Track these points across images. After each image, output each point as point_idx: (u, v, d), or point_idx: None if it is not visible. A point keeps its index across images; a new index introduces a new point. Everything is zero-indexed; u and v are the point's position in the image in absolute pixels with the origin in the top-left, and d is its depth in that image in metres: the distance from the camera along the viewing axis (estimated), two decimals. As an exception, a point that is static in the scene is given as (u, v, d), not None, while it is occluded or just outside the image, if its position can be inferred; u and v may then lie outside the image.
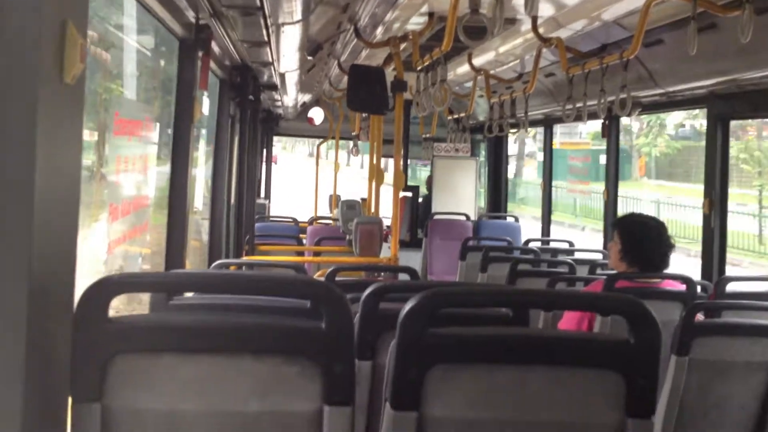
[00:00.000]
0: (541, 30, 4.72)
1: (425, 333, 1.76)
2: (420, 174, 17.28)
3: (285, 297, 2.31)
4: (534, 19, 4.64)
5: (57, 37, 1.60)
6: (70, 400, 1.68)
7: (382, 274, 5.42)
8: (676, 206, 21.87)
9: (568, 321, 3.63)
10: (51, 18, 1.58)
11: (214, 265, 3.88)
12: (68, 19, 1.64)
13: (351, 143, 11.20)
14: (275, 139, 14.04)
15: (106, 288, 1.68)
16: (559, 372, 1.78)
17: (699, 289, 3.80)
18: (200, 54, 3.84)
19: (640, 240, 3.70)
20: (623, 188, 22.94)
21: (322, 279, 3.62)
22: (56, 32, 1.60)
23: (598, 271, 4.95)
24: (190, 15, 3.59)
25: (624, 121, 27.57)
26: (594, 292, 3.49)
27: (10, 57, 1.54)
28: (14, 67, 1.54)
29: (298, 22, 3.86)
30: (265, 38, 4.21)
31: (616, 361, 1.78)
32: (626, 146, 29.94)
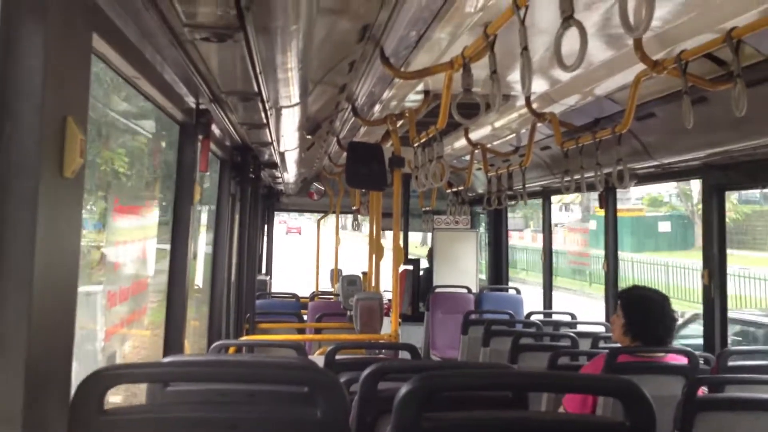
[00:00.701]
0: (535, 105, 4.80)
1: (421, 418, 1.75)
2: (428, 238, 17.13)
3: (282, 384, 2.30)
4: (528, 96, 4.73)
5: (57, 133, 1.64)
6: None
7: (383, 351, 5.38)
8: (750, 279, 18.95)
9: (573, 398, 3.60)
10: (52, 114, 1.62)
11: (212, 347, 3.87)
12: (68, 115, 1.68)
13: (351, 217, 11.25)
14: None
15: (101, 380, 1.68)
16: None
17: (702, 361, 3.78)
18: (200, 137, 3.90)
19: (644, 314, 3.70)
20: (686, 258, 22.17)
21: (322, 358, 3.60)
22: (57, 128, 1.64)
23: (601, 344, 4.93)
24: (191, 101, 3.66)
25: (682, 184, 26.50)
26: (588, 375, 3.46)
27: (12, 152, 1.57)
28: (16, 161, 1.57)
29: (296, 104, 3.93)
30: (264, 121, 4.29)
31: None
32: (687, 212, 28.62)
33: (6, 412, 1.54)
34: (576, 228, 31.07)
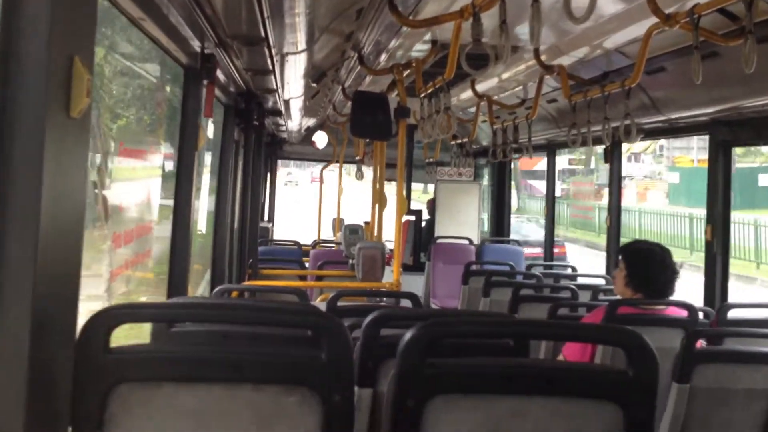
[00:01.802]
0: (543, 57, 4.75)
1: (424, 364, 1.78)
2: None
3: (285, 327, 2.32)
4: (537, 48, 4.68)
5: (64, 72, 1.63)
6: (70, 429, 1.70)
7: (385, 299, 5.42)
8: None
9: (573, 346, 3.63)
10: (58, 53, 1.61)
11: (216, 290, 3.90)
12: (75, 54, 1.67)
13: (355, 167, 11.23)
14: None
15: (106, 319, 1.70)
16: (558, 403, 1.79)
17: (701, 315, 3.81)
18: (205, 82, 3.88)
19: (645, 266, 3.73)
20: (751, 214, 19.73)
21: (324, 304, 3.63)
22: (63, 67, 1.63)
23: (601, 296, 4.95)
24: (196, 45, 3.63)
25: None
26: (592, 323, 3.49)
27: (18, 91, 1.57)
28: (22, 101, 1.56)
29: (302, 51, 3.90)
30: (270, 67, 4.26)
31: (614, 392, 1.79)
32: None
33: (12, 351, 1.56)
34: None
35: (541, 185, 23.93)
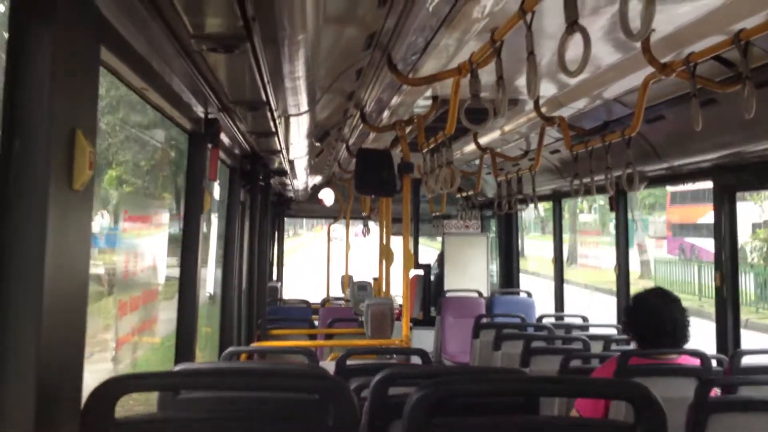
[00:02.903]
0: (543, 109, 4.80)
1: (431, 424, 1.76)
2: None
3: (292, 392, 2.31)
4: (536, 100, 4.73)
5: (66, 145, 1.66)
6: None
7: (395, 355, 5.38)
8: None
9: (584, 400, 3.58)
10: (61, 127, 1.64)
11: (224, 354, 3.88)
12: (77, 127, 1.69)
13: (362, 223, 11.27)
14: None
15: (112, 389, 1.69)
16: None
17: (715, 363, 3.76)
18: (210, 146, 3.92)
19: (642, 319, 3.68)
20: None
21: (333, 364, 3.61)
22: (66, 141, 1.66)
23: (613, 346, 4.91)
24: (199, 110, 3.68)
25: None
26: (599, 378, 3.45)
27: (22, 165, 1.59)
28: (25, 174, 1.59)
29: (304, 112, 3.95)
30: (273, 129, 4.30)
31: None
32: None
33: (18, 422, 1.55)
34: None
35: (707, 244, 18.87)
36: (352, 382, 3.22)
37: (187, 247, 3.78)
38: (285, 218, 13.26)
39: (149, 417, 1.84)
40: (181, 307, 3.72)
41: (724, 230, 4.87)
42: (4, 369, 1.56)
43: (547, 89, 4.50)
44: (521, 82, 4.29)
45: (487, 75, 3.36)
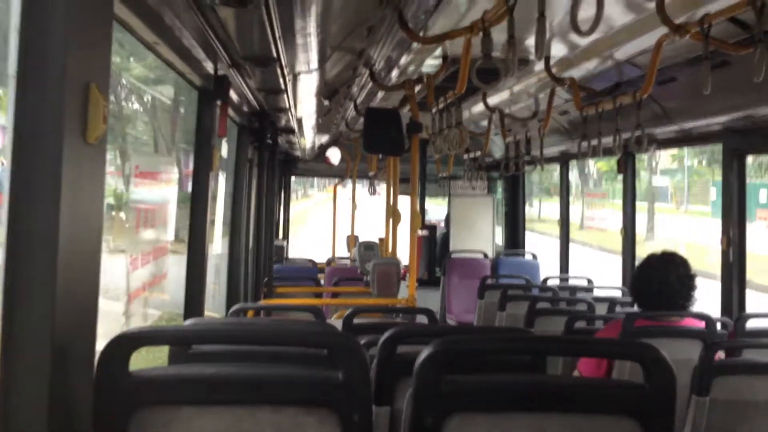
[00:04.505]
0: (554, 70, 4.76)
1: (441, 381, 1.78)
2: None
3: (302, 347, 2.33)
4: (547, 60, 4.68)
5: (80, 99, 1.65)
6: None
7: (400, 315, 5.42)
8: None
9: (588, 361, 3.61)
10: (74, 81, 1.63)
11: (231, 310, 3.91)
12: (91, 81, 1.69)
13: (368, 183, 11.25)
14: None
15: (125, 343, 1.71)
16: (576, 419, 1.79)
17: (719, 326, 3.78)
18: (219, 103, 3.91)
19: (645, 282, 3.68)
20: None
21: (340, 322, 3.64)
22: (80, 94, 1.65)
23: (618, 308, 4.93)
24: (209, 67, 3.66)
25: None
26: (607, 338, 3.47)
27: (36, 119, 1.59)
28: (40, 128, 1.59)
29: (314, 70, 3.93)
30: (282, 86, 4.29)
31: (632, 407, 1.78)
32: None
33: (32, 376, 1.57)
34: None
35: None
36: (359, 339, 3.25)
37: (196, 203, 3.80)
38: (292, 177, 13.24)
39: (162, 370, 1.87)
40: (190, 263, 3.75)
41: (732, 194, 4.87)
42: (19, 323, 1.58)
43: (558, 49, 4.46)
44: (532, 41, 4.26)
45: (497, 34, 3.33)
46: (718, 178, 5.52)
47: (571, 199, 8.36)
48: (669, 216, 26.21)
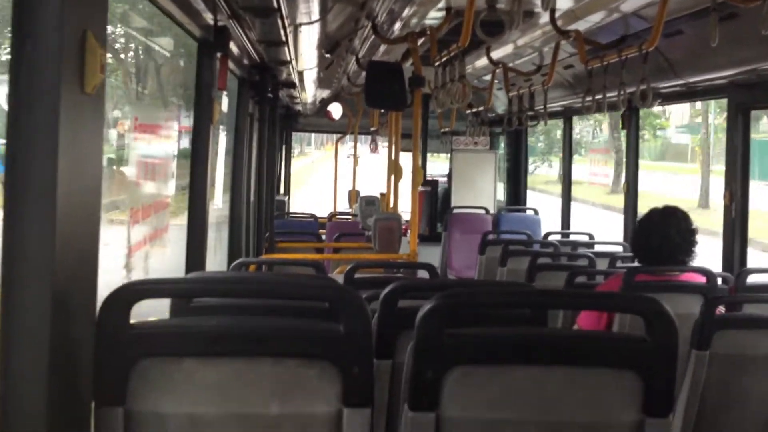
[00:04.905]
0: (559, 23, 4.69)
1: (442, 335, 1.78)
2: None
3: (303, 300, 2.33)
4: (552, 12, 4.62)
5: (77, 47, 1.63)
6: (93, 404, 1.71)
7: (402, 270, 5.43)
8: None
9: (588, 315, 3.62)
10: (71, 29, 1.60)
11: (233, 264, 3.92)
12: (88, 29, 1.66)
13: (370, 138, 11.21)
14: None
15: (127, 295, 1.71)
16: (577, 372, 1.79)
17: (720, 281, 3.78)
18: (219, 55, 3.86)
19: (645, 236, 3.66)
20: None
21: (342, 276, 3.65)
22: (76, 43, 1.63)
23: (618, 264, 4.93)
24: (208, 17, 3.61)
25: None
26: (610, 292, 3.47)
27: (32, 68, 1.56)
28: (36, 78, 1.56)
29: (315, 21, 3.87)
30: (283, 38, 4.23)
31: (633, 360, 1.78)
32: None
33: (33, 328, 1.57)
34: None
35: None
36: (360, 293, 3.25)
37: (196, 157, 3.78)
38: (293, 132, 13.18)
39: (163, 322, 1.87)
40: (191, 217, 3.74)
41: (737, 149, 4.83)
42: (19, 275, 1.57)
43: (563, 2, 4.39)
44: (537, -7, 4.20)
45: (502, -15, 3.27)
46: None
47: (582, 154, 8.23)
48: (692, 176, 25.18)
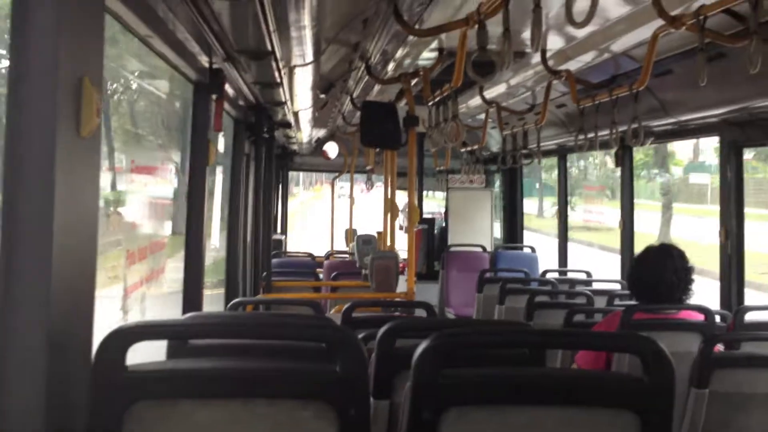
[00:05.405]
0: (550, 63, 4.75)
1: (439, 375, 1.77)
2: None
3: (300, 341, 2.32)
4: (543, 53, 4.67)
5: (73, 92, 1.65)
6: None
7: (399, 309, 5.42)
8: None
9: (587, 353, 3.61)
10: (67, 74, 1.63)
11: (230, 304, 3.91)
12: (84, 74, 1.68)
13: (366, 177, 11.24)
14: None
15: (122, 337, 1.70)
16: (574, 412, 1.78)
17: (718, 318, 3.77)
18: (214, 97, 3.89)
19: (641, 274, 3.68)
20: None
21: (339, 315, 3.64)
22: (73, 88, 1.65)
23: (616, 301, 4.93)
24: (204, 60, 3.65)
25: None
26: (609, 332, 3.47)
27: (29, 113, 1.58)
28: (33, 122, 1.58)
29: (309, 63, 3.92)
30: (278, 80, 4.27)
31: (630, 400, 1.77)
32: None
33: (29, 371, 1.57)
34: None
35: None
36: (357, 333, 3.24)
37: (192, 197, 3.79)
38: (289, 172, 13.22)
39: (159, 364, 1.86)
40: (187, 257, 3.74)
41: (730, 186, 4.86)
42: (15, 318, 1.57)
43: (554, 42, 4.45)
44: (528, 34, 4.25)
45: (493, 27, 3.32)
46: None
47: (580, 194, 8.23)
48: (710, 219, 24.07)
